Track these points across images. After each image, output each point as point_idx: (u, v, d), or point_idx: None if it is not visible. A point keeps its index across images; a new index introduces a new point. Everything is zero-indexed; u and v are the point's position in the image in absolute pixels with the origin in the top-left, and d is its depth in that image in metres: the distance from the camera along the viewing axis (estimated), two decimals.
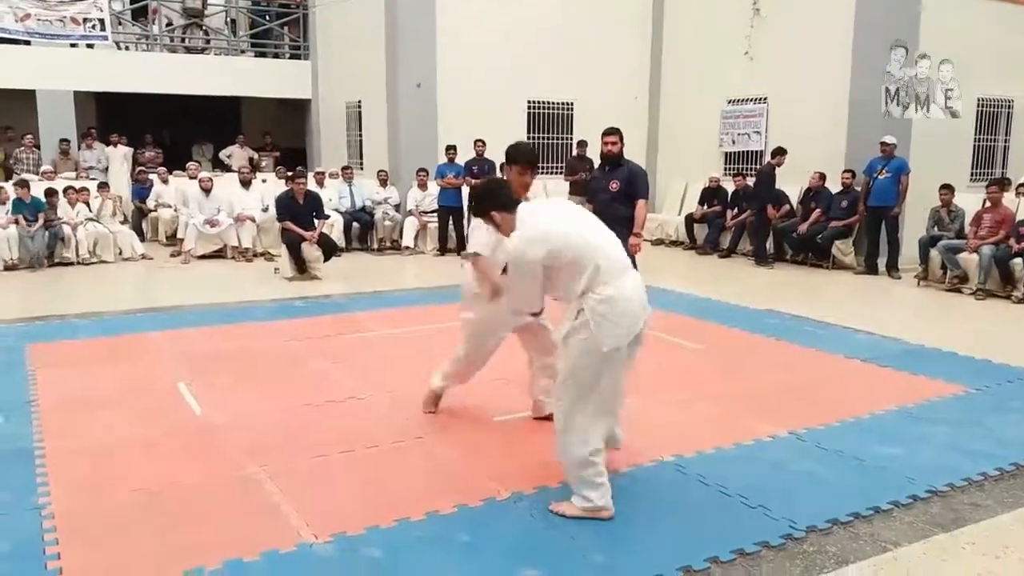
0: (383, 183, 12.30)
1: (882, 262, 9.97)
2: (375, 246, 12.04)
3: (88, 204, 10.87)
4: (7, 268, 9.77)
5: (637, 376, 5.47)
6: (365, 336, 6.70)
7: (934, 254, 9.24)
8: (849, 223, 10.32)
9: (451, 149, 11.66)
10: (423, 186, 11.85)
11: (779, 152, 10.71)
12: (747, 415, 4.75)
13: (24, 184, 10.22)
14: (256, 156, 14.92)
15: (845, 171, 10.39)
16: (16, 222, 9.89)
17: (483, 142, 11.38)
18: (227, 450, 4.16)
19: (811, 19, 11.13)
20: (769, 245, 10.96)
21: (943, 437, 4.43)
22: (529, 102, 13.20)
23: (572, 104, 13.36)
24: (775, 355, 6.26)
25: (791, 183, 11.02)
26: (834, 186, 10.57)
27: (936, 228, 9.50)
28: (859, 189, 10.20)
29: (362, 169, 13.43)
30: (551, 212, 3.45)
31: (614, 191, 6.39)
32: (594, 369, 3.27)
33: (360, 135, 13.95)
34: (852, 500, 3.59)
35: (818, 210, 10.54)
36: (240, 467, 3.93)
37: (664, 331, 6.84)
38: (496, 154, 11.77)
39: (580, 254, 3.24)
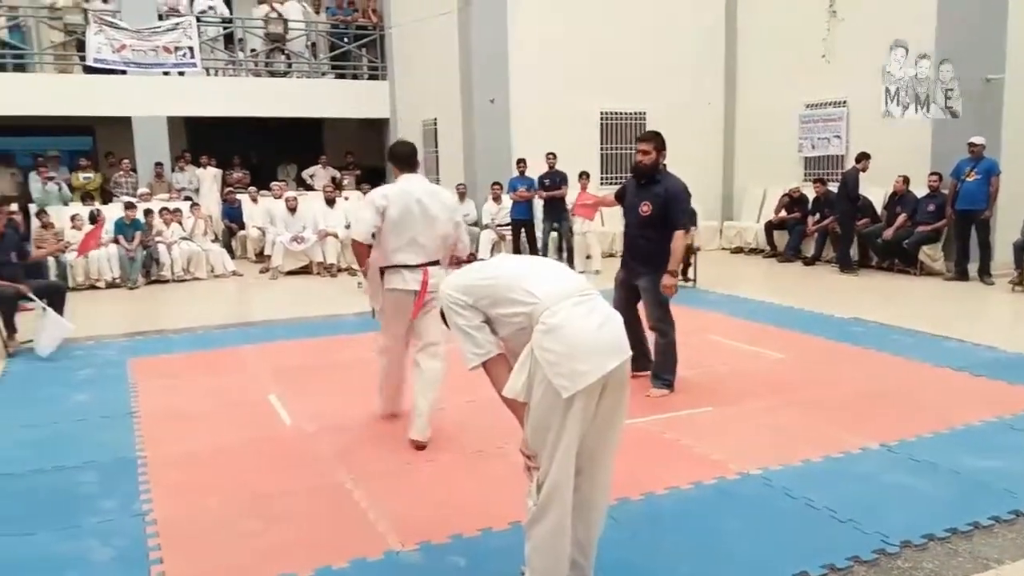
0: (461, 197, 12.46)
1: (973, 267, 9.58)
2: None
3: (181, 224, 11.37)
4: (109, 286, 10.30)
5: (719, 387, 5.45)
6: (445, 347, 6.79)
7: None
8: (937, 227, 9.96)
9: (521, 162, 11.74)
10: (497, 199, 11.98)
11: (863, 157, 10.44)
12: (834, 426, 4.64)
13: (131, 206, 10.85)
14: (339, 175, 15.32)
15: (931, 174, 10.03)
16: (116, 242, 10.44)
17: (554, 155, 11.44)
18: (316, 458, 4.30)
19: (890, 18, 10.80)
20: (854, 252, 10.66)
21: None
22: (602, 113, 13.20)
23: (645, 113, 13.30)
24: (862, 364, 6.07)
25: (874, 187, 10.71)
26: (919, 190, 10.22)
27: None
28: (946, 192, 9.83)
29: (439, 184, 13.62)
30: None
31: (644, 215, 5.15)
32: (557, 424, 2.53)
33: (436, 151, 14.19)
34: (949, 514, 3.48)
35: (903, 215, 10.21)
36: (329, 475, 4.06)
37: (745, 341, 6.76)
38: (570, 166, 11.89)
39: (510, 285, 2.62)
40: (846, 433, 4.49)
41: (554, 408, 2.51)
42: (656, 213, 5.14)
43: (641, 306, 5.44)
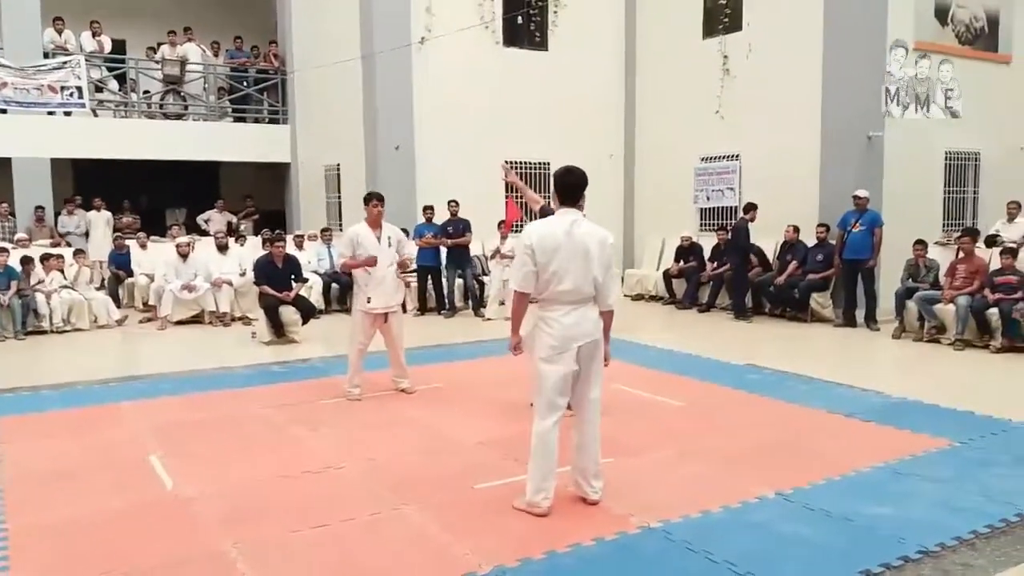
0: (327, 241, 12.29)
1: (860, 314, 10.02)
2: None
3: (63, 272, 10.72)
4: None
5: (621, 437, 5.44)
6: (343, 402, 6.58)
7: (911, 305, 9.29)
8: (826, 276, 10.40)
9: (428, 209, 11.69)
10: None
11: (750, 207, 10.87)
12: (732, 475, 4.68)
13: (3, 252, 10.06)
14: (235, 220, 14.88)
15: (819, 225, 10.51)
16: None
17: (456, 203, 11.49)
18: (199, 526, 4.02)
19: (780, 77, 11.40)
20: (748, 299, 11.01)
21: (931, 494, 4.37)
22: (507, 162, 13.30)
23: (548, 164, 13.48)
24: (757, 411, 6.19)
25: (767, 237, 11.13)
26: (809, 239, 10.68)
27: (911, 280, 9.57)
28: (834, 242, 10.30)
29: (341, 230, 13.40)
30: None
31: None
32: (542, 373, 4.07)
33: (339, 197, 13.98)
34: (842, 563, 3.52)
35: (794, 263, 10.63)
36: (212, 545, 3.78)
37: (645, 389, 6.80)
38: (476, 213, 11.90)
39: (555, 273, 4.01)
40: (744, 481, 4.53)
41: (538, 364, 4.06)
42: None
43: None
